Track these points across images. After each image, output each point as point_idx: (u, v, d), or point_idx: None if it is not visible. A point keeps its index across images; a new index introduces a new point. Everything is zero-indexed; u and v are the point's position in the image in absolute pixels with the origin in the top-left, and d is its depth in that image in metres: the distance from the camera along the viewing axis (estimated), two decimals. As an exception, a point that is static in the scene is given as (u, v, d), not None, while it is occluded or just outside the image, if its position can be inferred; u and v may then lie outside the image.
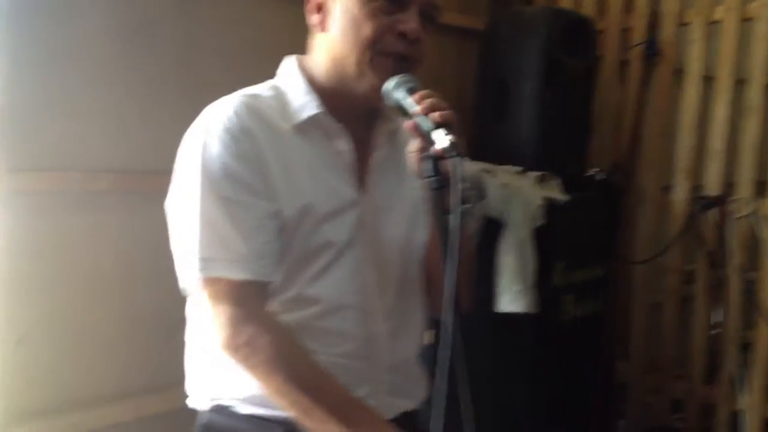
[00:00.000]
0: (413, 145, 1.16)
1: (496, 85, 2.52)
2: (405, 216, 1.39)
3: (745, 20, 2.50)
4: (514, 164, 2.38)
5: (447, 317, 1.02)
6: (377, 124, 1.36)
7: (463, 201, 1.19)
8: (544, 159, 2.42)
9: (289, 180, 1.25)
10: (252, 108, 1.25)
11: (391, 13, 1.23)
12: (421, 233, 1.40)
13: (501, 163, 2.39)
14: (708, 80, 2.60)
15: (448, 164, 1.08)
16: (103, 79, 1.98)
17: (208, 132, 1.23)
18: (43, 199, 1.87)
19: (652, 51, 2.70)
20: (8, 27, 1.78)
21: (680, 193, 2.64)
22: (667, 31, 2.67)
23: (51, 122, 1.89)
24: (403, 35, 1.23)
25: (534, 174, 2.34)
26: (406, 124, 1.16)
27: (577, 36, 2.49)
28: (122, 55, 2.02)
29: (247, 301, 1.21)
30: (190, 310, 1.38)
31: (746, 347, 2.54)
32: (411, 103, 1.16)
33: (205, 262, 1.21)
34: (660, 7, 2.69)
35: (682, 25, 2.66)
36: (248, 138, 1.22)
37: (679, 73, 2.67)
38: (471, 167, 2.27)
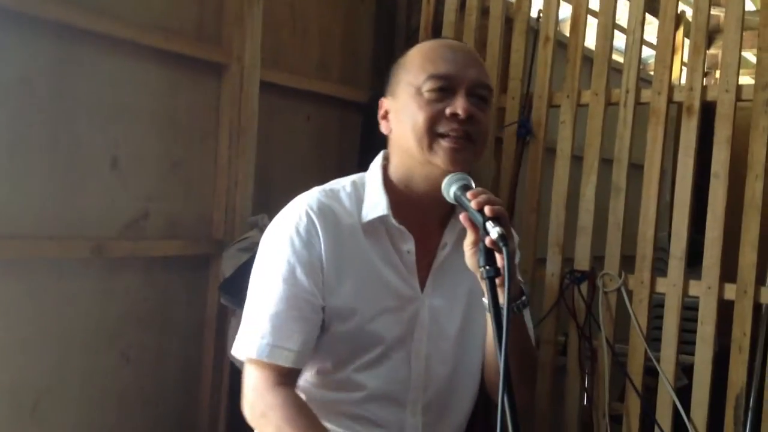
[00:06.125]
0: (468, 238, 1.27)
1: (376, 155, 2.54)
2: (461, 312, 1.47)
3: (611, 104, 2.66)
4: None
5: (500, 408, 1.07)
6: (450, 221, 1.45)
7: (521, 293, 1.34)
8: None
9: (344, 277, 1.37)
10: (323, 208, 1.39)
11: (441, 100, 1.36)
12: (479, 327, 1.46)
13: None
14: (578, 160, 2.72)
15: (499, 256, 1.18)
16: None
17: (281, 227, 1.39)
18: None
19: (524, 131, 2.81)
20: None
21: (553, 267, 2.72)
22: (539, 112, 2.80)
23: None
24: (454, 115, 1.34)
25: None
26: (461, 216, 1.26)
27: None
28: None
29: (273, 379, 1.35)
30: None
31: (617, 418, 2.61)
32: (465, 198, 1.26)
33: (253, 344, 1.35)
34: (532, 89, 2.82)
35: (553, 106, 2.79)
36: (310, 238, 1.36)
37: (552, 152, 2.78)
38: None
